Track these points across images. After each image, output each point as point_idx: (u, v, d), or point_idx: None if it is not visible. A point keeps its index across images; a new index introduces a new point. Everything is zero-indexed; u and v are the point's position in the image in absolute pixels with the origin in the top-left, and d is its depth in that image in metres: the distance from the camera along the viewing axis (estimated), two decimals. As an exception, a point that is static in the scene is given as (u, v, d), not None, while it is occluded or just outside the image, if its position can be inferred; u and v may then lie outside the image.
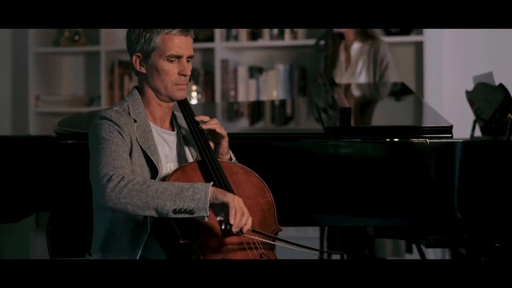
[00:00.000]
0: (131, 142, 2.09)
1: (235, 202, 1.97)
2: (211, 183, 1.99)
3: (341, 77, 4.08)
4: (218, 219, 1.99)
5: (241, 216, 1.97)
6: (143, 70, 2.16)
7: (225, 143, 2.22)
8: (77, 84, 5.10)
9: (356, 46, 4.10)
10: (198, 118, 2.23)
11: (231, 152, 2.29)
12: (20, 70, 4.94)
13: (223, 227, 1.98)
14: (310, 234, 4.32)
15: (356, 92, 3.70)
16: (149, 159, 2.10)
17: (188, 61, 2.16)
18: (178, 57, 2.13)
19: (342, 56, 4.11)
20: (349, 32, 4.06)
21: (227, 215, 1.96)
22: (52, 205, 2.32)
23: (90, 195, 2.19)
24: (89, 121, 3.24)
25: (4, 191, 2.83)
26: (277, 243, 2.11)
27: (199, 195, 1.94)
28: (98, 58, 4.91)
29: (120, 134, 2.07)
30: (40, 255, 4.55)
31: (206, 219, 1.95)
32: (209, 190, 1.95)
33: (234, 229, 1.97)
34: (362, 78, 4.05)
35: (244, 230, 1.99)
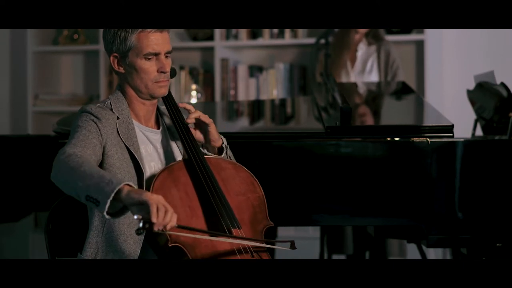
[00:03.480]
0: (109, 136, 2.07)
1: (154, 199, 1.79)
2: (125, 183, 1.84)
3: (348, 76, 4.08)
4: (135, 217, 1.80)
5: (164, 214, 1.80)
6: (121, 70, 2.14)
7: (212, 130, 2.20)
8: (76, 83, 5.10)
9: (363, 45, 4.11)
10: (182, 105, 2.21)
11: (222, 138, 2.26)
12: (19, 69, 4.93)
13: (140, 225, 1.78)
14: (310, 234, 4.31)
15: (356, 91, 3.69)
16: (132, 156, 2.08)
17: (166, 56, 2.13)
18: (156, 54, 2.10)
19: (347, 54, 4.11)
20: (360, 32, 4.08)
21: (147, 214, 1.79)
22: (51, 205, 2.31)
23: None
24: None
25: (3, 190, 2.82)
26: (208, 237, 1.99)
27: (107, 189, 1.82)
28: (97, 57, 4.90)
29: (96, 124, 2.06)
30: (39, 255, 4.54)
31: (107, 216, 1.82)
32: (120, 187, 1.81)
33: (156, 227, 1.79)
34: (372, 77, 4.06)
35: (168, 227, 1.81)
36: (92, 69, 5.02)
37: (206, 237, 1.99)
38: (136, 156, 2.08)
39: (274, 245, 2.07)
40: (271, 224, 2.14)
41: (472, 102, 3.29)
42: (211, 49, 4.73)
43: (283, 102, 3.83)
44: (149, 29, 2.09)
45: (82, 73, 5.09)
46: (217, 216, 2.04)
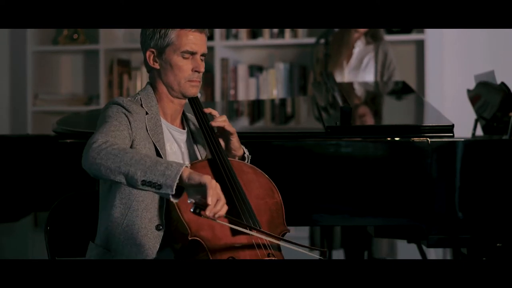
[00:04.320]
0: (138, 130, 2.08)
1: (212, 184, 1.87)
2: (188, 164, 1.92)
3: (342, 72, 4.08)
4: (189, 201, 1.88)
5: (216, 201, 1.88)
6: (156, 65, 2.16)
7: (234, 139, 2.22)
8: (75, 82, 5.09)
9: (360, 43, 4.11)
10: (207, 110, 2.23)
11: (243, 148, 2.29)
12: (19, 69, 4.93)
13: (192, 210, 1.86)
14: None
15: (356, 91, 3.69)
16: (157, 152, 2.10)
17: (201, 59, 2.16)
18: (193, 54, 2.14)
19: (345, 53, 4.11)
20: (360, 31, 4.09)
21: (201, 199, 1.88)
22: (51, 205, 2.31)
23: (90, 194, 2.18)
24: (88, 120, 3.22)
25: (3, 190, 2.82)
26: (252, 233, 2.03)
27: (170, 172, 1.87)
28: (97, 56, 4.90)
29: (127, 117, 2.07)
30: (38, 255, 4.54)
31: (171, 198, 1.89)
32: (182, 170, 1.88)
33: (208, 213, 1.86)
34: (367, 75, 4.05)
35: (217, 216, 1.89)
36: (92, 69, 5.01)
37: (245, 230, 2.01)
38: (161, 154, 2.09)
39: (308, 250, 2.09)
40: (287, 230, 2.16)
41: (472, 102, 3.28)
42: (211, 49, 4.72)
43: (283, 102, 3.83)
44: (190, 28, 2.12)
45: (82, 73, 5.09)
46: (239, 215, 2.05)
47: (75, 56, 5.09)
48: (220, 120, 2.19)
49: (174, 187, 1.86)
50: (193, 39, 2.13)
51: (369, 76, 4.11)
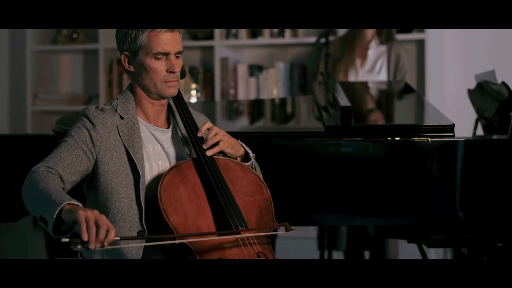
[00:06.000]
0: (103, 142, 2.06)
1: (82, 217, 1.77)
2: (66, 202, 1.84)
3: (356, 74, 4.08)
4: (62, 240, 1.76)
5: (95, 231, 1.77)
6: (132, 69, 2.14)
7: (228, 150, 2.17)
8: (75, 82, 5.09)
9: (374, 43, 4.10)
10: (203, 127, 2.17)
11: (244, 146, 2.24)
12: (18, 68, 4.92)
13: (79, 247, 1.75)
14: (310, 234, 4.30)
15: (357, 91, 3.68)
16: (130, 157, 2.08)
17: (177, 57, 2.13)
18: (166, 54, 2.11)
19: (358, 51, 4.10)
20: (369, 31, 4.08)
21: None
22: (50, 205, 2.30)
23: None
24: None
25: (2, 190, 2.81)
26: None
27: (52, 210, 1.83)
28: (96, 56, 4.89)
29: (89, 132, 2.06)
30: (38, 255, 4.53)
31: (54, 237, 1.84)
32: (61, 208, 1.82)
33: (92, 246, 1.76)
34: (381, 78, 4.05)
35: (106, 243, 1.78)
36: (91, 68, 5.01)
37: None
38: (134, 158, 2.07)
39: (269, 231, 2.07)
40: (278, 226, 2.14)
41: (473, 101, 3.28)
42: (211, 48, 4.73)
43: (283, 101, 3.83)
44: (160, 29, 2.09)
45: (82, 72, 5.09)
46: (225, 215, 2.04)
47: (75, 56, 5.08)
48: (213, 141, 2.13)
49: (52, 226, 1.83)
50: (165, 40, 2.09)
51: (382, 79, 4.10)
